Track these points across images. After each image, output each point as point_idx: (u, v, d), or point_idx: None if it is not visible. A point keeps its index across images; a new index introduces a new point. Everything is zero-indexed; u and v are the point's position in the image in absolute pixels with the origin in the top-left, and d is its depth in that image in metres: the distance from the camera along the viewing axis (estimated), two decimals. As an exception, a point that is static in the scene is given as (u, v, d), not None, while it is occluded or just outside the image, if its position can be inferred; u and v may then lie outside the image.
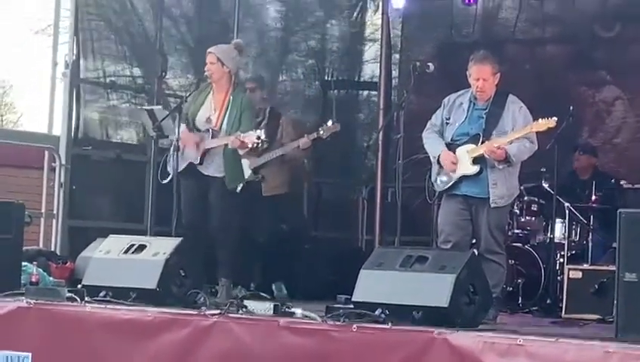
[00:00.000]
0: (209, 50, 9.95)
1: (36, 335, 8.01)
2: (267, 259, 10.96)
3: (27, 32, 25.80)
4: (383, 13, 14.23)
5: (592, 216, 11.06)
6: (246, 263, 10.76)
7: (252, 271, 10.83)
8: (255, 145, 9.41)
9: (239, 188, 9.82)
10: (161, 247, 8.35)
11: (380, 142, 13.43)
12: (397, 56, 14.33)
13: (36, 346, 7.97)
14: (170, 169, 9.72)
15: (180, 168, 9.64)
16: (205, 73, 9.95)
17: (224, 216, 9.72)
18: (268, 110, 11.11)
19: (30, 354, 7.96)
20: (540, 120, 8.78)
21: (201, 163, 9.68)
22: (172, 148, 9.65)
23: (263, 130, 9.54)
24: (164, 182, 9.73)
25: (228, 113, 9.82)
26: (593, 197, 11.22)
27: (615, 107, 12.96)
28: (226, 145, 9.59)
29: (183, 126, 9.74)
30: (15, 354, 8.00)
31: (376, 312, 7.19)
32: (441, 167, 8.92)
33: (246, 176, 10.38)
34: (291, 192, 11.50)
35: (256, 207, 10.80)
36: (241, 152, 9.63)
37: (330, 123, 10.86)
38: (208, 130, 9.71)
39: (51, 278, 10.05)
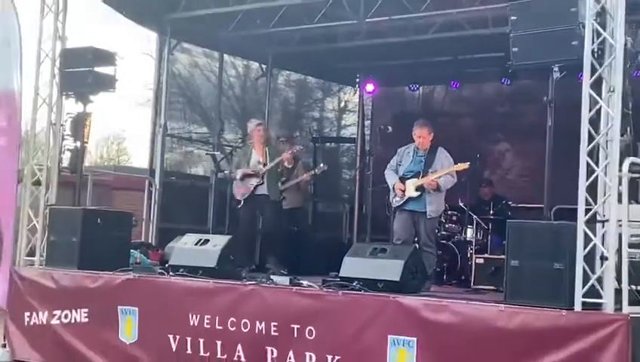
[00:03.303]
0: (259, 122, 10.42)
1: (140, 297, 8.00)
2: (284, 250, 10.92)
3: (134, 104, 25.91)
4: (359, 95, 14.36)
5: (490, 224, 11.07)
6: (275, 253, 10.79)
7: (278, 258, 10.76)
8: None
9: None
10: (219, 241, 8.29)
11: (357, 177, 13.50)
12: (368, 121, 14.38)
13: (140, 303, 7.97)
14: (238, 196, 10.11)
15: (247, 194, 10.04)
16: (251, 133, 10.28)
17: (274, 222, 10.06)
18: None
19: (137, 308, 7.94)
20: (459, 163, 8.84)
21: (262, 183, 10.00)
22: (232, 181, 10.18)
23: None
24: (239, 206, 10.10)
25: (269, 156, 10.16)
26: (491, 212, 11.27)
27: (506, 156, 13.03)
28: (277, 164, 10.18)
29: (240, 171, 10.06)
30: (127, 308, 8.00)
31: (354, 284, 7.18)
32: (395, 192, 8.96)
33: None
34: (301, 207, 11.53)
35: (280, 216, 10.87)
36: (287, 165, 10.30)
37: (321, 165, 11.03)
38: (259, 164, 10.12)
39: (149, 260, 10.02)
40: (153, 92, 12.15)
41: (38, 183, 9.26)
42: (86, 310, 8.22)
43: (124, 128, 36.86)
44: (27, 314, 8.60)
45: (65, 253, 8.63)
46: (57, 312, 8.37)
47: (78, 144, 9.26)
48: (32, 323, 8.56)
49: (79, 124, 9.22)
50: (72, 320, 8.27)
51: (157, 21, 11.67)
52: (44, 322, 8.46)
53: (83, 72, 9.12)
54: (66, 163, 9.30)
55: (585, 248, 6.09)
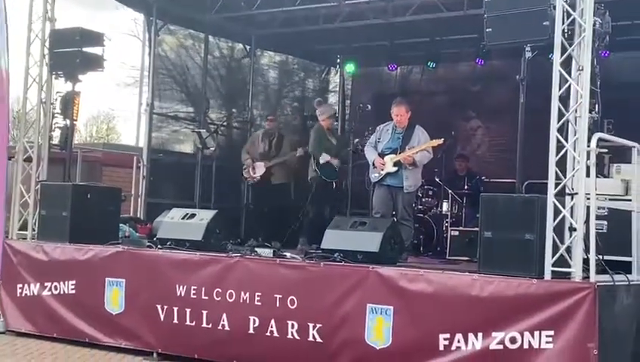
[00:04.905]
0: (334, 108, 10.60)
1: (128, 268, 7.97)
2: (269, 224, 10.89)
3: (122, 84, 25.69)
4: (340, 75, 14.31)
5: (465, 198, 11.11)
6: (261, 226, 10.76)
7: (263, 231, 10.73)
8: None
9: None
10: (205, 215, 8.27)
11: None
12: (348, 101, 14.34)
13: (128, 275, 7.95)
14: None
15: None
16: (326, 117, 10.32)
17: None
18: (277, 134, 11.15)
19: (124, 280, 7.95)
20: (434, 140, 8.84)
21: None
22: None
23: None
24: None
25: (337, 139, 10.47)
26: (466, 187, 11.29)
27: (477, 132, 13.06)
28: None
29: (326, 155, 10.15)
30: (114, 279, 7.99)
31: (335, 255, 7.18)
32: (374, 167, 8.95)
33: (260, 172, 10.49)
34: (287, 183, 11.48)
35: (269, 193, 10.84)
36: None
37: None
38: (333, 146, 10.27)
39: (137, 234, 9.98)
40: (140, 72, 12.05)
41: (29, 160, 9.22)
42: (73, 281, 8.20)
43: (113, 108, 36.72)
44: (19, 285, 8.57)
45: (56, 227, 8.60)
46: (48, 284, 8.35)
47: (68, 122, 9.21)
48: (23, 294, 8.52)
49: (68, 103, 9.18)
50: (62, 292, 8.24)
51: (143, 3, 11.56)
52: (36, 293, 8.43)
53: (72, 52, 9.08)
54: (56, 140, 9.27)
55: (554, 220, 6.12)
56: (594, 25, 6.30)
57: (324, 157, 10.11)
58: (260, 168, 10.80)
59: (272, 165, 10.79)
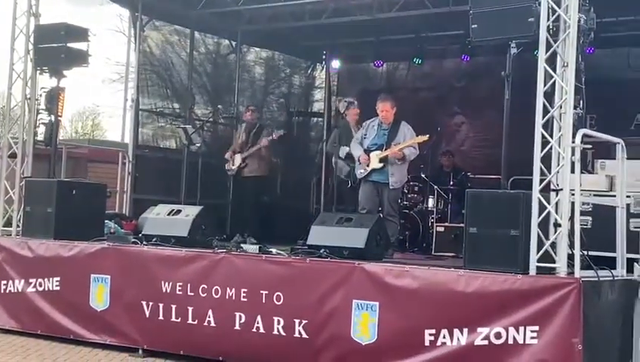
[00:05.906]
0: (349, 99, 10.06)
1: (113, 265, 7.92)
2: (256, 219, 10.86)
3: (107, 80, 25.52)
4: (326, 71, 14.29)
5: (450, 194, 11.11)
6: (244, 222, 10.73)
7: (247, 226, 10.69)
8: None
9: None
10: (191, 211, 8.22)
11: (324, 149, 13.41)
12: (334, 97, 14.33)
13: (113, 271, 7.90)
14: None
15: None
16: (347, 112, 10.03)
17: None
18: (258, 125, 11.09)
19: (109, 276, 7.90)
20: (419, 136, 8.84)
21: None
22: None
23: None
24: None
25: None
26: (451, 182, 11.30)
27: (462, 128, 13.07)
28: None
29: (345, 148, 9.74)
30: (99, 276, 7.94)
31: (321, 251, 7.17)
32: (359, 164, 8.94)
33: (237, 163, 10.40)
34: (269, 177, 11.40)
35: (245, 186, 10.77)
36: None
37: (279, 131, 10.86)
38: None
39: (122, 230, 9.92)
40: (125, 68, 11.96)
41: (13, 156, 9.16)
42: (58, 278, 8.14)
43: (98, 104, 36.56)
44: (4, 282, 8.50)
45: (41, 224, 8.54)
46: (33, 280, 8.29)
47: (53, 118, 9.16)
48: (8, 291, 8.46)
49: (53, 98, 9.13)
50: (46, 288, 8.19)
51: (129, -2, 11.50)
52: (20, 290, 8.37)
53: (56, 48, 9.04)
54: (41, 136, 9.23)
55: (539, 216, 6.13)
56: (579, 21, 6.31)
57: (342, 151, 9.93)
58: (237, 160, 10.76)
59: (246, 156, 10.73)
